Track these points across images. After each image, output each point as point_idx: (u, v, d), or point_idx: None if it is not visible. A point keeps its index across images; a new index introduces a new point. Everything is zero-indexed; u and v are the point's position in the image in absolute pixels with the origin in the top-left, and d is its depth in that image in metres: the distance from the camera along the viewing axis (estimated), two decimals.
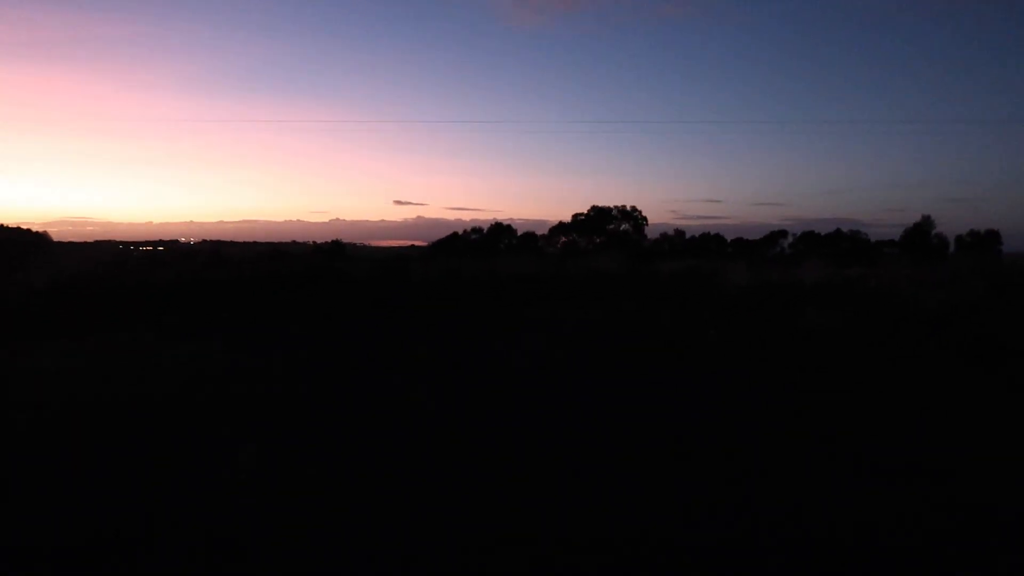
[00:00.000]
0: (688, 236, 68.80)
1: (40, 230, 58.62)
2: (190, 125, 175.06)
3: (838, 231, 69.38)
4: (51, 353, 17.82)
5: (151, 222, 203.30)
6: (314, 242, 60.53)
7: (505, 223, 67.13)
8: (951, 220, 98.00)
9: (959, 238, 64.76)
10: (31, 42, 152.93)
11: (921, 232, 64.33)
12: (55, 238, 78.08)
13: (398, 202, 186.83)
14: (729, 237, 70.62)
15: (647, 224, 67.28)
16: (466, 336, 20.97)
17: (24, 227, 61.18)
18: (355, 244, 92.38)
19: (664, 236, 67.57)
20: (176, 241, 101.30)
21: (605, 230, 66.77)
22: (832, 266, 29.98)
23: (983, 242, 63.70)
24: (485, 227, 66.93)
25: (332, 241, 60.71)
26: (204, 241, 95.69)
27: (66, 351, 18.20)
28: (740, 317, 22.71)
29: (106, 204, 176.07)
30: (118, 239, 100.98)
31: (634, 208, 66.95)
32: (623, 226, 67.22)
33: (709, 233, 71.21)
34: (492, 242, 64.96)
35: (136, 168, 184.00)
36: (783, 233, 72.40)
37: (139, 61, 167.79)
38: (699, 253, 60.36)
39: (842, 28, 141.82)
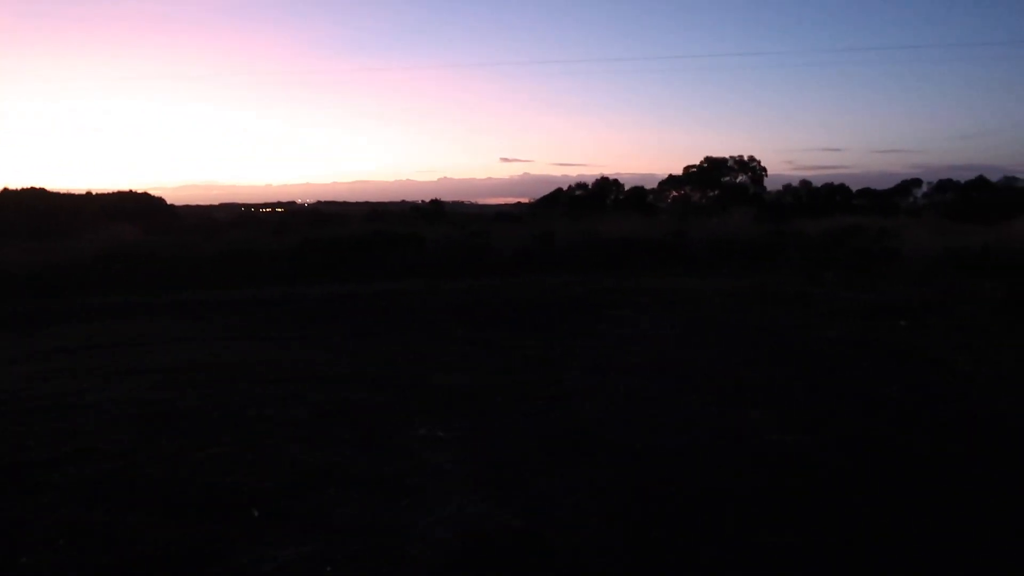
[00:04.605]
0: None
1: (157, 195, 56.40)
2: (303, 81, 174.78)
3: (980, 178, 58.02)
4: None
5: (270, 185, 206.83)
6: (423, 201, 55.46)
7: (612, 178, 59.91)
8: None
9: None
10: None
11: None
12: (182, 202, 77.68)
13: (504, 159, 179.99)
14: (854, 188, 60.51)
15: (766, 175, 58.38)
16: (547, 318, 14.65)
17: (147, 193, 59.16)
18: (461, 203, 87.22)
19: (787, 188, 58.28)
20: (293, 203, 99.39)
21: (720, 183, 58.33)
22: None
23: None
24: (590, 182, 59.99)
25: (431, 201, 55.45)
26: (319, 202, 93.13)
27: None
28: (941, 296, 15.29)
29: (231, 168, 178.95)
30: (240, 202, 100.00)
31: (752, 158, 58.11)
32: (739, 178, 58.58)
33: (833, 184, 61.30)
34: (598, 198, 57.98)
35: (258, 131, 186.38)
36: (916, 182, 61.53)
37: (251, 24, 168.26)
38: (825, 207, 51.26)
39: None
